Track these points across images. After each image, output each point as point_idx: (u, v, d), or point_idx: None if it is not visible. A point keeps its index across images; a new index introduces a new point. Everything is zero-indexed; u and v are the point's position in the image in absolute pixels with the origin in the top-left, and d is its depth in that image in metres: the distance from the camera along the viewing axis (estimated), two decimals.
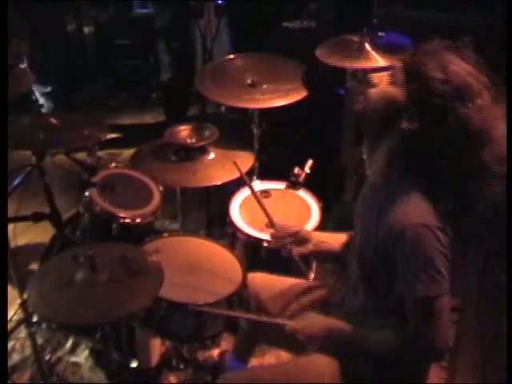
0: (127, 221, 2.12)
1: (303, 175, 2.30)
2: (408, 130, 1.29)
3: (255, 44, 3.59)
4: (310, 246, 1.74)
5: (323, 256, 1.86)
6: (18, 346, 2.34)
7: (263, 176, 2.49)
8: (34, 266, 2.39)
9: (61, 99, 4.19)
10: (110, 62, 4.96)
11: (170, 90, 4.30)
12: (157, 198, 2.25)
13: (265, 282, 1.84)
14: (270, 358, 2.21)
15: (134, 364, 2.02)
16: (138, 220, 2.15)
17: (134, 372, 2.02)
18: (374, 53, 2.35)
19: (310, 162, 2.32)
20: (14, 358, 2.28)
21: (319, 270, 2.24)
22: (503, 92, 1.31)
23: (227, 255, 2.02)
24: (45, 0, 3.83)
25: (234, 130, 2.81)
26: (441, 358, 1.45)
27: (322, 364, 1.54)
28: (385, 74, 1.40)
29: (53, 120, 1.97)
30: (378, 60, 2.29)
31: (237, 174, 2.01)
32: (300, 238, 1.75)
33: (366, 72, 2.55)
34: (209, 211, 2.89)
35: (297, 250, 1.75)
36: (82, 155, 2.28)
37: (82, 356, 2.27)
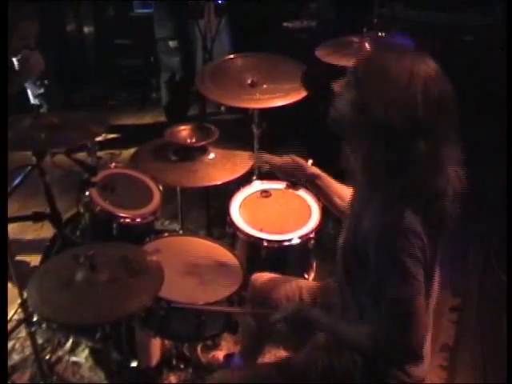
0: (127, 221, 2.12)
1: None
2: (374, 131, 1.27)
3: (255, 44, 3.60)
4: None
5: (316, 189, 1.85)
6: (18, 346, 2.34)
7: (263, 176, 2.49)
8: (34, 266, 2.39)
9: (61, 99, 4.19)
10: (109, 62, 4.96)
11: (170, 90, 4.30)
12: (157, 198, 2.25)
13: (269, 282, 1.84)
14: (271, 358, 2.21)
15: (133, 364, 2.02)
16: (137, 220, 2.15)
17: (133, 372, 2.02)
18: None
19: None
20: (14, 358, 2.28)
21: (319, 270, 2.25)
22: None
23: (227, 255, 2.02)
24: (45, 0, 3.84)
25: (234, 129, 2.80)
26: (415, 359, 1.40)
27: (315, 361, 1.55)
28: (343, 80, 1.40)
29: (53, 119, 1.97)
30: None
31: (237, 175, 2.01)
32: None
33: None
34: (209, 211, 2.88)
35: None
36: (82, 155, 2.28)
37: (82, 356, 2.27)
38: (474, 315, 2.60)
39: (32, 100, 4.07)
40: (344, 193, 1.73)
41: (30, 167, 1.98)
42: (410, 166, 1.28)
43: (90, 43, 4.99)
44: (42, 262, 2.33)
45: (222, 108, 3.82)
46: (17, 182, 2.04)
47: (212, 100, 2.64)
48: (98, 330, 1.69)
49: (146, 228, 2.21)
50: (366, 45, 2.54)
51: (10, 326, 2.35)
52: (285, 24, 3.68)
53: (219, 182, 2.20)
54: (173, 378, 2.09)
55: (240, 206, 2.26)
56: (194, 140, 2.33)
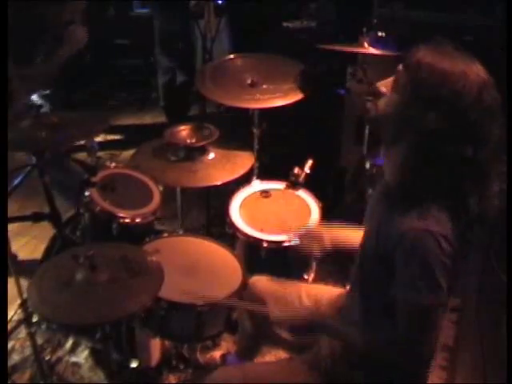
0: (127, 221, 2.12)
1: (303, 175, 2.30)
2: (421, 133, 1.26)
3: (255, 44, 3.60)
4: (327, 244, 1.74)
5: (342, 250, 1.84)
6: (18, 346, 2.34)
7: (263, 176, 2.49)
8: (34, 266, 2.39)
9: (61, 99, 4.19)
10: (109, 62, 4.95)
11: (169, 90, 4.30)
12: (157, 198, 2.25)
13: (268, 286, 1.84)
14: (271, 358, 2.21)
15: (134, 364, 2.02)
16: (137, 220, 2.15)
17: (134, 372, 2.02)
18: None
19: (309, 162, 2.32)
20: (14, 358, 2.28)
21: (319, 270, 2.24)
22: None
23: (227, 255, 2.02)
24: (45, 0, 3.83)
25: (234, 130, 2.81)
26: (424, 366, 1.40)
27: (315, 364, 1.55)
28: (390, 80, 1.39)
29: (54, 118, 1.97)
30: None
31: (236, 175, 2.01)
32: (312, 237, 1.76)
33: (366, 72, 2.56)
34: (209, 211, 2.89)
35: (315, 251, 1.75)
36: (82, 155, 2.28)
37: (82, 356, 2.27)
38: (474, 315, 2.60)
39: (38, 101, 4.07)
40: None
41: (29, 167, 1.98)
42: (453, 172, 1.27)
43: (89, 43, 4.99)
44: (42, 262, 2.33)
45: (221, 108, 3.81)
46: (17, 182, 2.04)
47: (212, 100, 2.64)
48: (97, 330, 1.70)
49: (146, 228, 2.21)
50: (365, 44, 2.56)
51: (10, 326, 2.35)
52: (285, 24, 3.67)
53: (219, 182, 2.21)
54: (173, 378, 2.09)
55: (240, 206, 2.25)
56: (193, 140, 2.33)
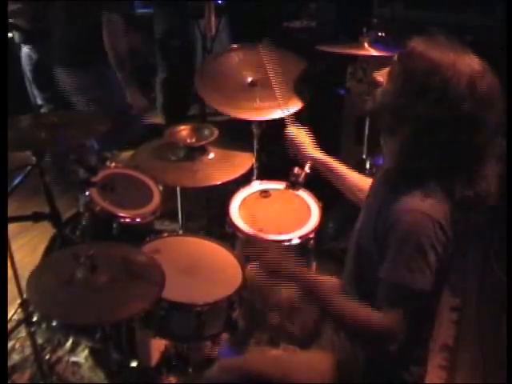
0: (127, 221, 2.12)
1: (303, 175, 2.29)
2: (415, 121, 1.28)
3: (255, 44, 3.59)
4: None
5: (324, 168, 1.87)
6: (18, 346, 2.34)
7: (263, 176, 2.49)
8: (34, 266, 2.38)
9: (61, 99, 4.18)
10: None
11: (167, 90, 4.29)
12: (157, 198, 2.25)
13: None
14: (267, 353, 2.20)
15: (133, 364, 2.02)
16: (137, 220, 2.15)
17: (133, 372, 2.02)
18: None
19: (310, 162, 2.32)
20: (14, 358, 2.28)
21: (319, 270, 2.24)
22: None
23: (227, 255, 2.02)
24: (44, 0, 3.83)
25: (234, 129, 2.80)
26: (391, 349, 1.32)
27: (317, 361, 1.55)
28: (386, 70, 1.41)
29: (54, 118, 1.96)
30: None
31: (236, 175, 2.01)
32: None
33: (366, 72, 2.56)
34: (209, 211, 2.88)
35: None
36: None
37: (82, 356, 2.27)
38: (474, 315, 2.60)
39: (39, 101, 4.08)
40: (353, 175, 1.75)
41: (29, 167, 1.98)
42: (450, 158, 1.29)
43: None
44: (42, 262, 2.33)
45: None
46: (17, 181, 2.04)
47: (212, 106, 2.62)
48: (97, 330, 1.70)
49: (146, 228, 2.21)
50: (366, 44, 2.55)
51: (10, 326, 2.34)
52: (285, 24, 3.67)
53: (219, 182, 2.20)
54: (173, 378, 2.09)
55: (240, 206, 2.25)
56: (193, 140, 2.33)
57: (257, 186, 2.39)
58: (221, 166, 2.28)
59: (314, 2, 3.75)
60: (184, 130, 2.39)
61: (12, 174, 1.90)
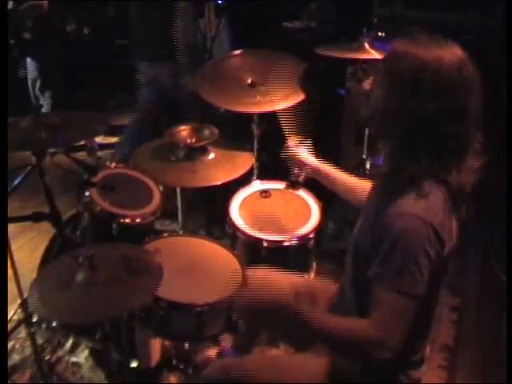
0: (127, 221, 2.12)
1: (303, 175, 2.30)
2: (415, 118, 1.28)
3: (255, 44, 3.59)
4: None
5: (319, 176, 1.91)
6: (18, 346, 2.34)
7: (263, 176, 2.49)
8: (34, 266, 2.39)
9: (61, 99, 4.19)
10: (109, 62, 4.95)
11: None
12: (157, 198, 2.25)
13: (265, 277, 1.84)
14: (266, 355, 2.21)
15: (133, 364, 2.02)
16: (137, 220, 2.15)
17: (133, 372, 2.02)
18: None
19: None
20: (14, 358, 2.28)
21: (319, 270, 2.25)
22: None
23: (227, 255, 2.02)
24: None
25: (234, 129, 2.80)
26: (386, 357, 1.30)
27: (313, 363, 1.55)
28: (372, 78, 1.41)
29: (54, 118, 1.96)
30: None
31: (236, 175, 2.01)
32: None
33: (366, 72, 2.56)
34: (209, 211, 2.89)
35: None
36: (82, 155, 2.28)
37: (82, 356, 2.27)
38: (474, 315, 2.61)
39: (41, 100, 4.09)
40: (352, 181, 1.77)
41: (29, 167, 1.98)
42: (445, 152, 1.29)
43: (90, 43, 5.00)
44: (42, 262, 2.33)
45: (222, 108, 3.81)
46: (17, 182, 2.04)
47: (211, 103, 2.63)
48: (97, 330, 1.70)
49: (146, 228, 2.21)
50: (366, 45, 2.56)
51: (10, 326, 2.34)
52: (285, 24, 3.68)
53: (219, 182, 2.20)
54: (173, 378, 2.09)
55: (240, 206, 2.25)
56: (194, 140, 2.33)
57: (257, 185, 2.39)
58: (221, 166, 2.28)
59: (314, 1, 3.75)
60: (184, 130, 2.39)
61: (12, 174, 1.91)
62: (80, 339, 2.27)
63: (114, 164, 2.39)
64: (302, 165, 1.94)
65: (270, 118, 2.55)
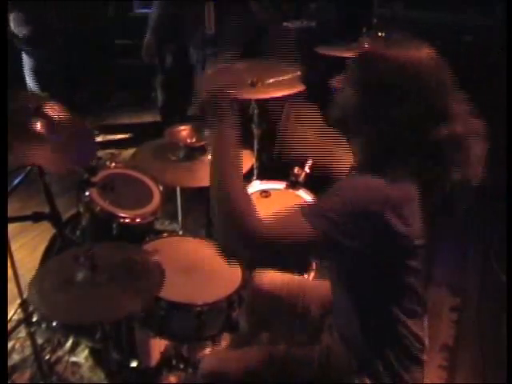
0: (127, 221, 2.12)
1: (303, 175, 2.30)
2: (381, 121, 1.27)
3: (255, 44, 3.59)
4: None
5: None
6: (18, 346, 2.34)
7: (263, 176, 2.49)
8: (34, 266, 2.39)
9: (61, 99, 4.18)
10: (109, 62, 4.96)
11: (166, 91, 4.29)
12: (157, 198, 2.25)
13: (271, 282, 1.83)
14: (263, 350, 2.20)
15: (133, 364, 2.02)
16: (137, 220, 2.15)
17: (133, 372, 2.02)
18: None
19: (309, 162, 2.32)
20: (14, 358, 2.28)
21: (319, 270, 2.25)
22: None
23: None
24: (44, 0, 3.84)
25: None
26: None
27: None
28: (341, 76, 1.40)
29: None
30: None
31: None
32: None
33: None
34: (209, 211, 2.88)
35: None
36: None
37: (82, 356, 2.27)
38: (474, 315, 2.61)
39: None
40: None
41: (29, 167, 1.98)
42: (420, 147, 1.26)
43: (90, 43, 5.00)
44: (42, 262, 2.33)
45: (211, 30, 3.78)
46: (17, 181, 2.04)
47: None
48: (97, 330, 1.69)
49: (146, 228, 2.21)
50: (366, 44, 2.55)
51: (10, 326, 2.35)
52: (285, 24, 3.68)
53: None
54: (173, 378, 2.09)
55: None
56: (193, 140, 2.33)
57: (257, 185, 2.39)
58: None
59: (314, 1, 3.76)
60: (184, 130, 2.39)
61: (12, 174, 1.91)
62: (80, 339, 2.27)
63: (113, 164, 2.39)
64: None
65: (270, 118, 2.56)
